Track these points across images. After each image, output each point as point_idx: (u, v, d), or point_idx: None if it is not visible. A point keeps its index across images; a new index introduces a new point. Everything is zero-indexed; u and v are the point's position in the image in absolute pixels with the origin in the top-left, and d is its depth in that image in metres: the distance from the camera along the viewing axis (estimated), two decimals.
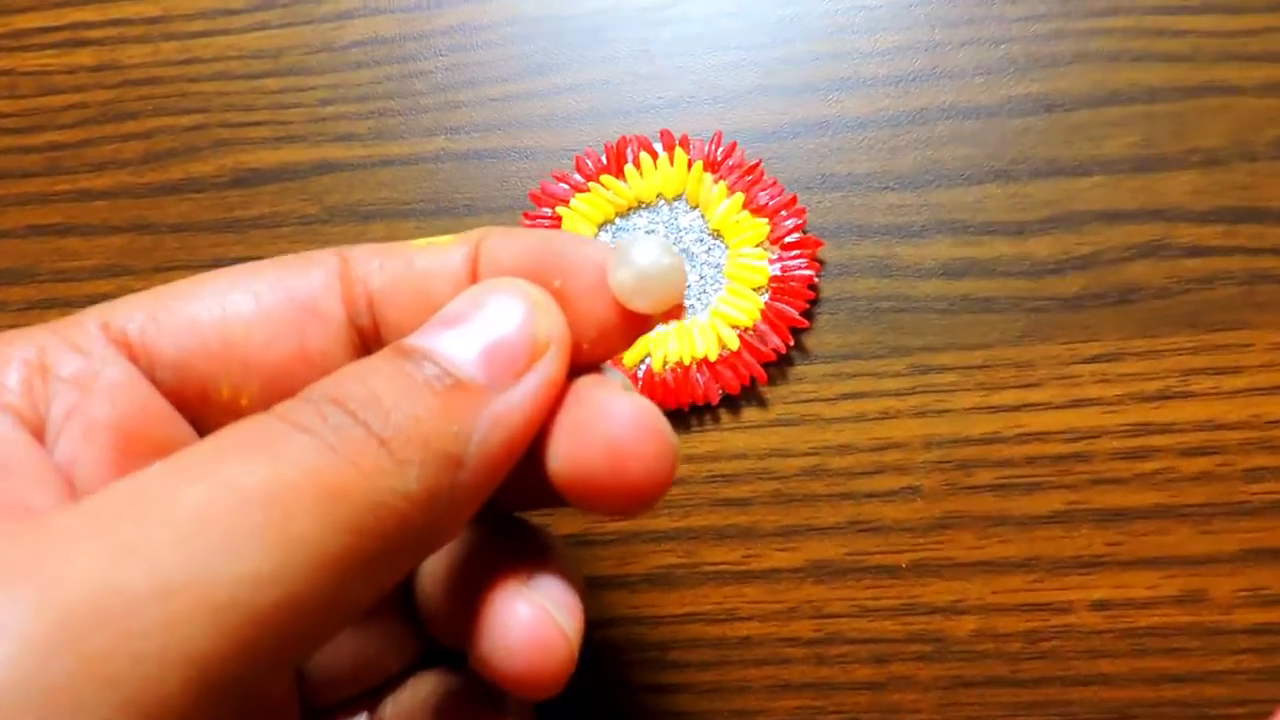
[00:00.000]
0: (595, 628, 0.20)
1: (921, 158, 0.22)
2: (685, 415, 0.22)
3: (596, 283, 0.14)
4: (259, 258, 0.15)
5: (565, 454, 0.13)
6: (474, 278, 0.14)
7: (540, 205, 0.22)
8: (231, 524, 0.10)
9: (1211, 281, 0.21)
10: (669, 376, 0.21)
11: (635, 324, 0.14)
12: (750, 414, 0.22)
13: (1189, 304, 0.21)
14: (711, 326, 0.21)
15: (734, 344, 0.21)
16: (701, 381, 0.21)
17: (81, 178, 0.24)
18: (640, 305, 0.13)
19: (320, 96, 0.24)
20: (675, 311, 0.14)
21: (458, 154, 0.23)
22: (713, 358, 0.21)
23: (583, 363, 0.14)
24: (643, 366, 0.22)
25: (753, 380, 0.21)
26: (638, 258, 0.13)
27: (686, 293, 0.21)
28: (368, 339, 0.15)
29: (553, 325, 0.13)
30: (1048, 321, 0.21)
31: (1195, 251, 0.21)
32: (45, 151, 0.24)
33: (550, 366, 0.13)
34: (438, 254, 0.14)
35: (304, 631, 0.10)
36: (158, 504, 0.10)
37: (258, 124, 0.24)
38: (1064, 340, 0.21)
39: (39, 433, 0.13)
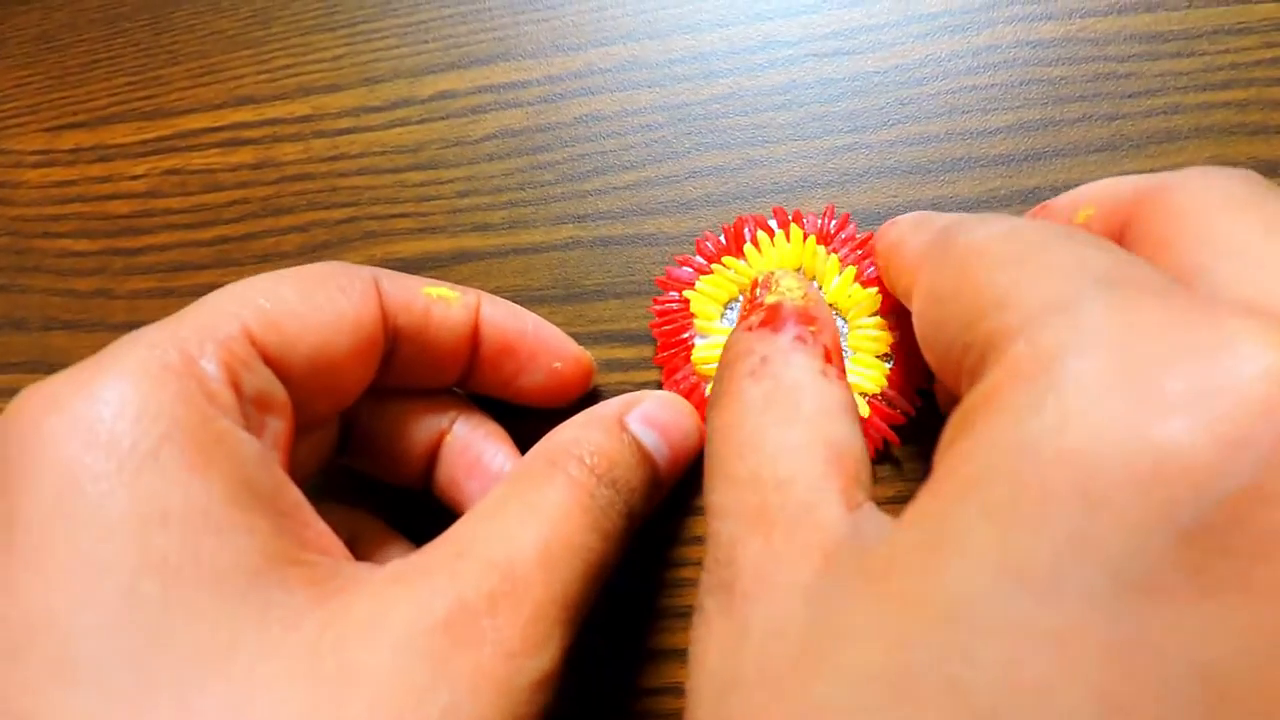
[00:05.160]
0: None
1: None
2: None
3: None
4: None
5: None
6: (476, 332, 0.20)
7: (666, 290, 0.24)
8: (552, 536, 0.16)
9: None
10: None
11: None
12: (884, 474, 0.22)
13: None
14: None
15: (865, 411, 0.22)
16: None
17: (247, 269, 0.26)
18: None
19: (458, 189, 0.26)
20: None
21: (586, 241, 0.25)
22: None
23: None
24: None
25: (885, 443, 0.22)
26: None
27: None
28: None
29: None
30: None
31: None
32: (214, 245, 0.27)
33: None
34: (446, 312, 0.20)
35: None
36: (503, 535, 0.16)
37: (402, 216, 0.26)
38: None
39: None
